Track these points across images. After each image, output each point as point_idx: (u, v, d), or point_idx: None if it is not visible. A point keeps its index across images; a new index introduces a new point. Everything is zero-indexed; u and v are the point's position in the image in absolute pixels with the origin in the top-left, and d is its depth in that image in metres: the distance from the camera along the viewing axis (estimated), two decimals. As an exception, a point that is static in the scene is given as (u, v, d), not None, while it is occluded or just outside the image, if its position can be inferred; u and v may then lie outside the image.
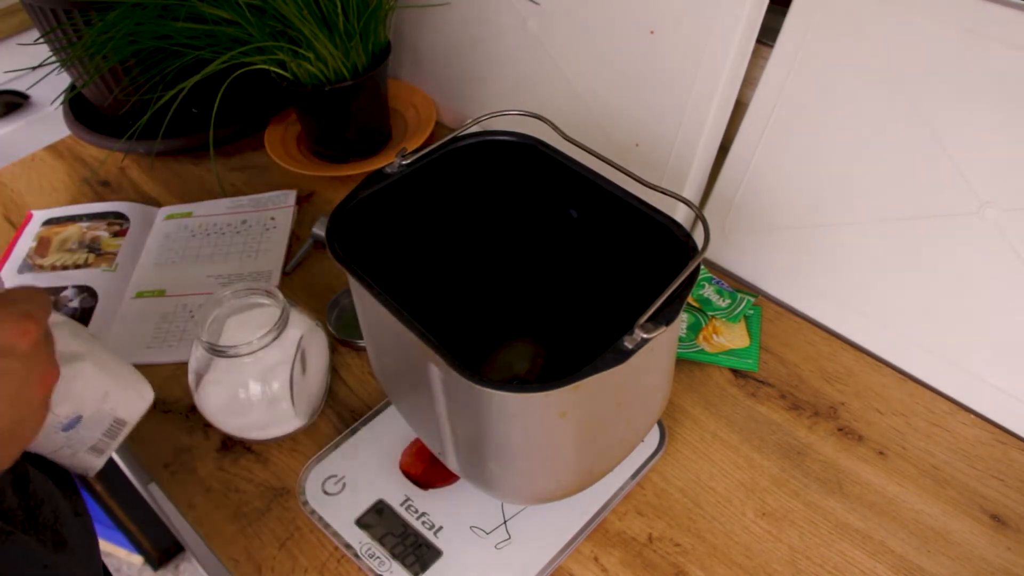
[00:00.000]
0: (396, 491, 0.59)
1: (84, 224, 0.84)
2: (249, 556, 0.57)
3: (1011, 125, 0.56)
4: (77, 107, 0.95)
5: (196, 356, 0.59)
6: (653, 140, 0.75)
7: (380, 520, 0.57)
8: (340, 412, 0.66)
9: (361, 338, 0.70)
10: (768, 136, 0.69)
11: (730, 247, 0.75)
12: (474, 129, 0.55)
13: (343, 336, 0.71)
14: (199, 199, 0.87)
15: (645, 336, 0.41)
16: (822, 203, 0.68)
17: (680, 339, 0.69)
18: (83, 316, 0.74)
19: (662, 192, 0.48)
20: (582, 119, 0.79)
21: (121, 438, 0.53)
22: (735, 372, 0.68)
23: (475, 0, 0.83)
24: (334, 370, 0.69)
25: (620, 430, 0.50)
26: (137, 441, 0.64)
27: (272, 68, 0.79)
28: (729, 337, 0.69)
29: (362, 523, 0.57)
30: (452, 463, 0.53)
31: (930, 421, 0.64)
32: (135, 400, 0.53)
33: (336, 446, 0.62)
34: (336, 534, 0.57)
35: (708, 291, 0.72)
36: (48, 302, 0.43)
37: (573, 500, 0.55)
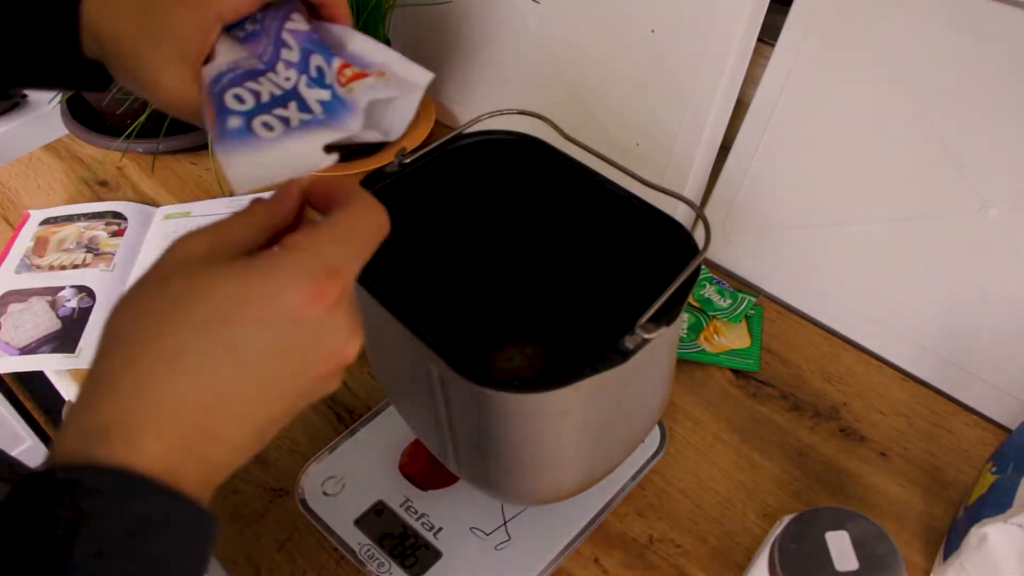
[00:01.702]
0: (396, 492, 0.59)
1: (82, 224, 0.84)
2: (248, 557, 0.57)
3: (1013, 125, 0.56)
4: (75, 106, 0.95)
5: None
6: (653, 139, 0.74)
7: (379, 521, 0.57)
8: (339, 412, 0.66)
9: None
10: (769, 136, 0.68)
11: (731, 247, 0.75)
12: (474, 128, 0.54)
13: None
14: (197, 199, 0.87)
15: (646, 336, 0.40)
16: (824, 203, 0.67)
17: (681, 339, 0.68)
18: (81, 316, 0.74)
19: (662, 192, 0.48)
20: (582, 118, 0.79)
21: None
22: (736, 372, 0.68)
23: (475, -1, 0.83)
24: (333, 370, 0.69)
25: (621, 430, 0.50)
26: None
27: (271, 67, 0.79)
28: (730, 337, 0.69)
29: (361, 524, 0.57)
30: (452, 464, 0.52)
31: (932, 422, 0.64)
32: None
33: (335, 447, 0.62)
34: (335, 535, 0.56)
35: (709, 291, 0.72)
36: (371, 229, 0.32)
37: (573, 501, 0.54)
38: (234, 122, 0.36)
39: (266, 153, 0.35)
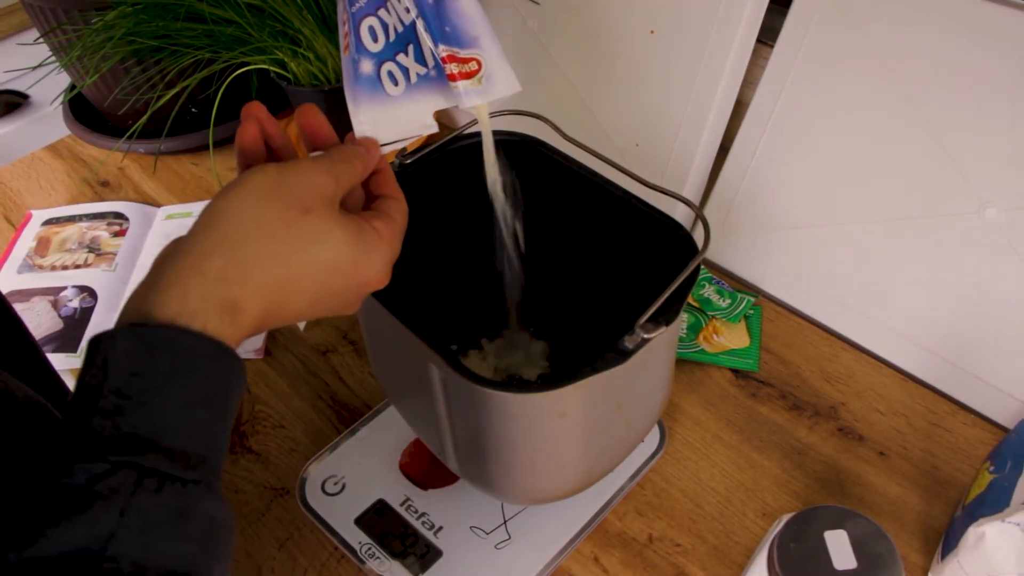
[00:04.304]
0: (396, 491, 0.59)
1: (84, 224, 0.84)
2: (249, 556, 0.57)
3: (1012, 125, 0.56)
4: (77, 107, 0.95)
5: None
6: (653, 140, 0.74)
7: (380, 520, 0.57)
8: (340, 412, 0.66)
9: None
10: (768, 136, 0.69)
11: (730, 247, 0.75)
12: (474, 129, 0.54)
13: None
14: (199, 199, 0.87)
15: (645, 336, 0.40)
16: (822, 203, 0.67)
17: (680, 339, 0.69)
18: (83, 316, 0.74)
19: (662, 192, 0.48)
20: (582, 119, 0.79)
21: None
22: (735, 372, 0.68)
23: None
24: (334, 370, 0.69)
25: (620, 430, 0.50)
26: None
27: (272, 68, 0.79)
28: (729, 337, 0.69)
29: (362, 523, 0.57)
30: (452, 463, 0.52)
31: (931, 421, 0.64)
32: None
33: (336, 446, 0.62)
34: (336, 534, 0.56)
35: (708, 291, 0.72)
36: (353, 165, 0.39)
37: (573, 500, 0.55)
38: (366, 67, 0.43)
39: (390, 110, 0.43)
